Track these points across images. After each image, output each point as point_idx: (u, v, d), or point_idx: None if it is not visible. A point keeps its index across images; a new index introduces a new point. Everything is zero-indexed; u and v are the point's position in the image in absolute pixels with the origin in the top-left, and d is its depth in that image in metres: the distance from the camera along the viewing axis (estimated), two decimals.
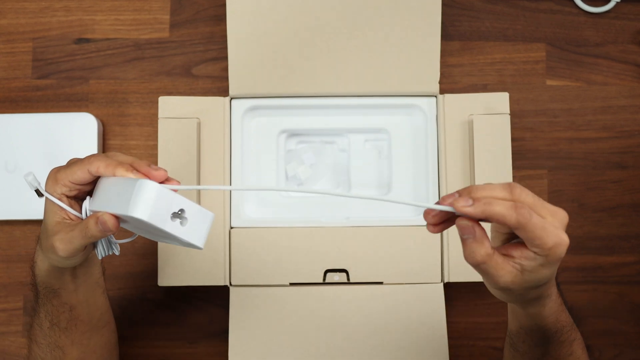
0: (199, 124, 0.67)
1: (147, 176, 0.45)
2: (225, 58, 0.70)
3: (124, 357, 0.70)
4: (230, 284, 0.66)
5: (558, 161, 0.72)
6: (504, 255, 0.44)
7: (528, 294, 0.46)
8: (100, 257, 0.51)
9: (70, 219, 0.48)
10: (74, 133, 0.69)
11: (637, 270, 0.71)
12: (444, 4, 0.69)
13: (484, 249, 0.43)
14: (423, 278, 0.65)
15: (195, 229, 0.45)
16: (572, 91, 0.73)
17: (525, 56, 0.73)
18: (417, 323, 0.64)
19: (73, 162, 0.48)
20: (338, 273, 0.66)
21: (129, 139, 0.72)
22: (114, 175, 0.45)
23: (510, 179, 0.66)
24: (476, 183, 0.65)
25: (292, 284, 0.65)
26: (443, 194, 0.67)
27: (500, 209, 0.41)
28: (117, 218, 0.45)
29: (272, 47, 0.67)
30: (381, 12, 0.67)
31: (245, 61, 0.67)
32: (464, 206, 0.42)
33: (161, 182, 0.45)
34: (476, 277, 0.61)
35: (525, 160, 0.72)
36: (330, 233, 0.66)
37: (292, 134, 0.70)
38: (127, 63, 0.73)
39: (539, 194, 0.71)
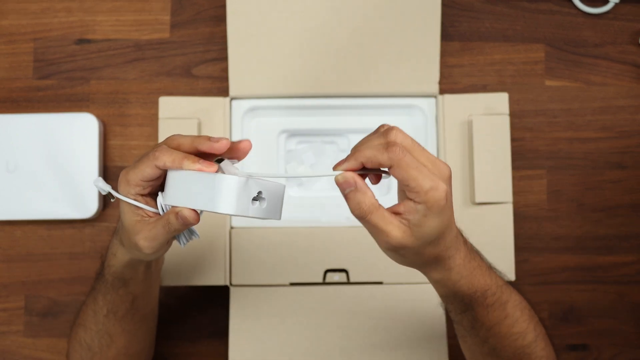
0: (199, 124, 0.67)
1: (211, 151, 0.45)
2: (226, 58, 0.70)
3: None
4: (231, 284, 0.66)
5: (557, 161, 0.72)
6: (392, 213, 0.44)
7: (424, 252, 0.45)
8: (183, 246, 0.52)
9: (149, 215, 0.49)
10: (75, 133, 0.69)
11: (637, 270, 0.72)
12: (443, 5, 0.69)
13: (367, 199, 0.43)
14: (423, 278, 0.65)
15: (272, 204, 0.47)
16: (571, 91, 0.73)
17: (524, 57, 0.73)
18: (417, 323, 0.65)
19: (139, 160, 0.48)
20: (338, 273, 0.66)
21: (129, 139, 0.72)
22: (182, 169, 0.45)
23: (509, 179, 0.66)
24: (476, 183, 0.66)
25: (292, 284, 0.66)
26: None
27: (372, 151, 0.43)
28: (197, 211, 0.46)
29: (272, 48, 0.67)
30: (381, 13, 0.67)
31: (245, 61, 0.67)
32: (343, 165, 0.44)
33: (226, 155, 0.46)
34: None
35: (525, 160, 0.72)
36: (330, 233, 0.66)
37: (292, 134, 0.70)
38: (128, 63, 0.73)
39: (538, 194, 0.72)
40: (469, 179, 0.67)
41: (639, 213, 0.72)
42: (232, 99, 0.68)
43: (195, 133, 0.66)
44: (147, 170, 0.47)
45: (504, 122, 0.67)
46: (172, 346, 0.71)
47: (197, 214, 0.46)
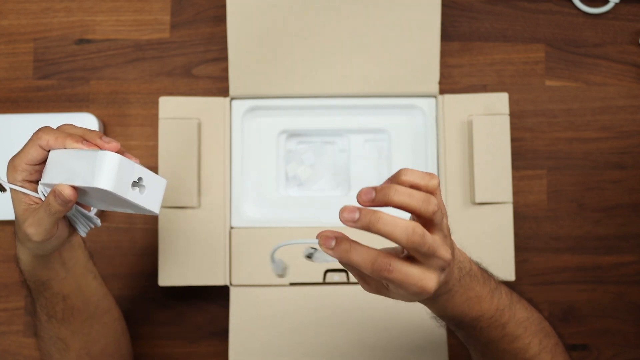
0: (199, 125, 0.67)
1: (101, 148, 0.46)
2: (226, 59, 0.70)
3: None
4: (231, 284, 0.66)
5: (557, 161, 0.72)
6: (409, 261, 0.42)
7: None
8: (83, 234, 0.51)
9: (36, 203, 0.48)
10: None
11: (636, 270, 0.72)
12: (443, 5, 0.69)
13: (366, 254, 0.41)
14: None
15: (152, 195, 0.47)
16: (571, 92, 0.73)
17: (524, 57, 0.73)
18: (417, 323, 0.64)
19: (24, 146, 0.47)
20: (338, 273, 0.66)
21: (129, 139, 0.72)
22: (65, 148, 0.46)
23: (509, 179, 0.66)
24: (476, 183, 0.66)
25: (292, 284, 0.66)
26: (443, 194, 0.67)
27: (363, 256, 0.40)
28: (75, 189, 0.45)
29: (272, 47, 0.67)
30: (381, 13, 0.67)
31: (245, 61, 0.67)
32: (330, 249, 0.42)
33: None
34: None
35: (525, 160, 0.72)
36: None
37: (292, 134, 0.70)
38: (128, 63, 0.73)
39: (538, 194, 0.72)
40: (469, 179, 0.67)
41: (638, 213, 0.72)
42: (232, 99, 0.68)
43: (195, 133, 0.66)
44: (30, 152, 0.46)
45: (504, 122, 0.67)
46: (172, 346, 0.71)
47: (74, 190, 0.45)
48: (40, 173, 0.48)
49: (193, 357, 0.71)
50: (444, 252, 0.41)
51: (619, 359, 0.71)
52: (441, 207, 0.42)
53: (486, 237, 0.66)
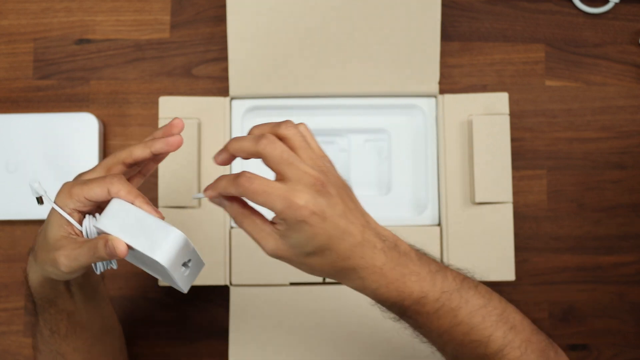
0: (199, 124, 0.67)
1: (169, 149, 0.48)
2: (226, 58, 0.70)
3: None
4: (231, 284, 0.66)
5: (557, 161, 0.72)
6: (270, 222, 0.46)
7: (312, 263, 0.46)
8: (98, 272, 0.50)
9: (76, 234, 0.47)
10: (75, 133, 0.69)
11: (636, 270, 0.72)
12: (443, 5, 0.69)
13: (234, 208, 0.46)
14: None
15: (191, 275, 0.49)
16: (571, 92, 0.73)
17: (524, 57, 0.73)
18: None
19: (91, 180, 0.47)
20: None
21: (129, 139, 0.72)
22: (133, 204, 0.46)
23: (509, 179, 0.66)
24: (475, 183, 0.66)
25: (292, 284, 0.66)
26: (443, 194, 0.67)
27: (224, 183, 0.45)
28: (129, 247, 0.45)
29: (272, 47, 0.67)
30: (381, 13, 0.67)
31: (245, 61, 0.67)
32: (206, 193, 0.46)
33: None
34: (476, 277, 0.61)
35: (525, 160, 0.72)
36: None
37: None
38: (128, 63, 0.73)
39: (538, 194, 0.72)
40: (469, 179, 0.67)
41: (639, 213, 0.72)
42: (232, 98, 0.68)
43: (195, 133, 0.66)
44: (96, 190, 0.46)
45: (504, 122, 0.67)
46: (172, 346, 0.71)
47: (127, 248, 0.45)
48: (91, 208, 0.48)
49: (193, 357, 0.71)
50: (301, 165, 0.44)
51: (619, 359, 0.71)
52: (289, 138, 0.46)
53: (486, 237, 0.66)
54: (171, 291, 0.71)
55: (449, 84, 0.73)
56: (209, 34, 0.73)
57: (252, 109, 0.69)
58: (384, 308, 0.49)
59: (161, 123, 0.67)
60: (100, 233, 0.47)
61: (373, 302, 0.49)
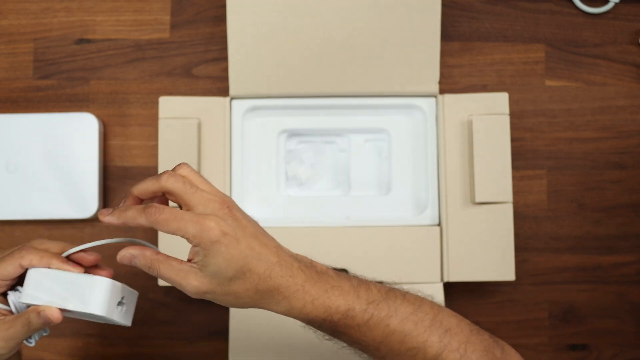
0: (199, 124, 0.67)
1: (81, 262, 0.48)
2: (226, 58, 0.70)
3: (124, 357, 0.71)
4: None
5: (557, 161, 0.72)
6: (186, 261, 0.45)
7: (237, 291, 0.46)
8: (33, 344, 0.50)
9: (2, 314, 0.48)
10: (75, 133, 0.70)
11: (636, 270, 0.72)
12: (443, 5, 0.69)
13: (146, 258, 0.46)
14: (423, 278, 0.66)
15: (129, 310, 0.51)
16: (571, 91, 0.73)
17: (524, 57, 0.73)
18: None
19: (2, 259, 0.47)
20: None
21: (129, 139, 0.72)
22: (49, 267, 0.47)
23: (509, 179, 0.66)
24: (475, 183, 0.66)
25: None
26: (443, 194, 0.67)
27: (132, 213, 0.45)
28: (61, 311, 0.47)
29: (272, 47, 0.67)
30: (381, 12, 0.67)
31: (245, 61, 0.67)
32: (107, 218, 0.47)
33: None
34: (476, 277, 0.61)
35: (525, 160, 0.72)
36: (330, 233, 0.66)
37: (292, 134, 0.70)
38: (128, 63, 0.73)
39: (538, 194, 0.72)
40: (469, 179, 0.67)
41: (639, 213, 0.72)
42: (232, 98, 0.68)
43: (195, 133, 0.66)
44: (8, 269, 0.47)
45: (504, 122, 0.67)
46: (172, 346, 0.71)
47: (60, 312, 0.46)
48: (8, 287, 0.48)
49: (193, 357, 0.71)
50: (204, 192, 0.46)
51: (619, 359, 0.71)
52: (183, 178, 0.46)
53: (486, 237, 0.66)
54: (171, 291, 0.71)
55: (449, 84, 0.73)
56: (209, 34, 0.73)
57: (252, 109, 0.68)
58: (317, 330, 0.49)
59: (161, 123, 0.67)
60: (29, 305, 0.47)
61: (304, 325, 0.49)
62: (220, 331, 0.70)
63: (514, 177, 0.71)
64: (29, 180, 0.69)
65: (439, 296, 0.65)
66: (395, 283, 0.65)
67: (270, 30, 0.67)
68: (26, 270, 0.47)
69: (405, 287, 0.65)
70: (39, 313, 0.46)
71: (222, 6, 0.69)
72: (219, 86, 0.72)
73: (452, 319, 0.49)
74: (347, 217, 0.68)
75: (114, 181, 0.72)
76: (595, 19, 0.73)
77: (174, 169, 0.47)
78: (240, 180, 0.68)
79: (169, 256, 0.46)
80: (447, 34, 0.73)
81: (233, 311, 0.65)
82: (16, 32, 0.73)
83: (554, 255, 0.71)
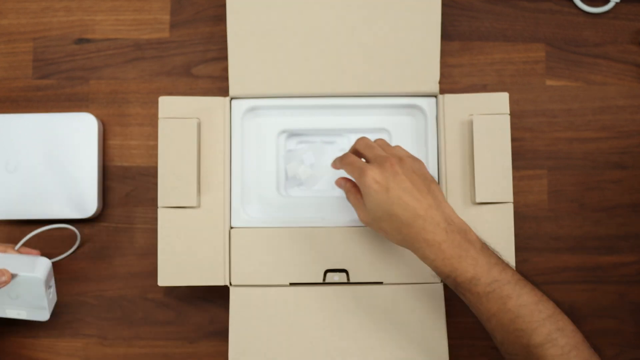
0: (199, 124, 0.67)
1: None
2: (225, 58, 0.70)
3: (123, 357, 0.71)
4: (230, 284, 0.66)
5: (557, 161, 0.72)
6: None
7: (385, 228, 0.57)
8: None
9: None
10: (75, 133, 0.69)
11: (637, 270, 0.72)
12: (443, 4, 0.69)
13: (347, 184, 0.62)
14: (423, 278, 0.65)
15: (52, 299, 0.66)
16: (571, 91, 0.73)
17: (524, 56, 0.73)
18: (417, 323, 0.64)
19: None
20: (338, 273, 0.66)
21: (129, 139, 0.72)
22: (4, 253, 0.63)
23: (510, 179, 0.66)
24: (476, 183, 0.66)
25: (292, 284, 0.65)
26: (444, 193, 0.67)
27: (336, 159, 0.63)
28: (11, 276, 0.61)
29: (272, 47, 0.67)
30: (381, 12, 0.67)
31: (245, 61, 0.67)
32: (332, 164, 0.64)
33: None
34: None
35: (525, 160, 0.72)
36: (330, 233, 0.66)
37: (292, 134, 0.70)
38: (128, 63, 0.73)
39: (538, 194, 0.72)
40: (469, 179, 0.67)
41: (639, 213, 0.72)
42: (232, 98, 0.68)
43: (195, 133, 0.66)
44: None
45: (504, 122, 0.67)
46: (172, 346, 0.71)
47: (10, 275, 0.61)
48: None
49: (193, 357, 0.71)
50: (378, 150, 0.60)
51: (619, 359, 0.71)
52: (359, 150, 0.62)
53: (486, 237, 0.65)
54: (171, 291, 0.71)
55: (449, 83, 0.72)
56: (208, 33, 0.73)
57: (252, 108, 0.68)
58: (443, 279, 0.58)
59: (161, 123, 0.66)
60: None
61: (433, 272, 0.59)
62: (220, 331, 0.70)
63: (514, 177, 0.71)
64: (28, 180, 0.69)
65: (439, 296, 0.65)
66: (396, 283, 0.65)
67: (270, 30, 0.67)
68: None
69: (406, 287, 0.65)
70: None
71: (222, 5, 0.69)
72: (219, 86, 0.72)
73: (570, 326, 0.55)
74: (346, 218, 0.68)
75: (113, 181, 0.72)
76: (596, 18, 0.73)
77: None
78: (240, 180, 0.67)
79: (358, 189, 0.60)
80: (448, 34, 0.73)
81: (233, 311, 0.65)
82: (16, 32, 0.73)
83: (554, 255, 0.71)
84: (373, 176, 0.57)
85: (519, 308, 0.54)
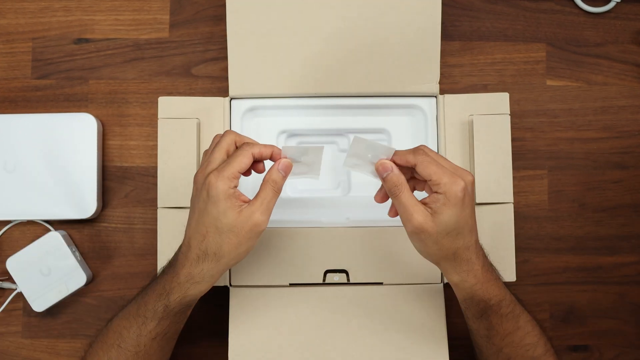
0: (198, 124, 0.67)
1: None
2: (225, 58, 0.70)
3: None
4: (230, 284, 0.65)
5: (558, 161, 0.72)
6: (420, 202, 0.53)
7: (442, 243, 0.52)
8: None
9: (244, 202, 0.53)
10: (74, 133, 0.69)
11: (638, 270, 0.71)
12: (444, 4, 0.69)
13: (401, 178, 0.53)
14: (423, 278, 0.65)
15: (81, 262, 0.69)
16: (572, 91, 0.73)
17: (525, 56, 0.73)
18: (417, 323, 0.64)
19: (230, 158, 0.54)
20: (338, 273, 0.65)
21: (128, 139, 0.72)
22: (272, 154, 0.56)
23: (510, 179, 0.66)
24: (476, 183, 0.65)
25: (292, 285, 0.65)
26: None
27: (403, 152, 0.54)
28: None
29: (272, 47, 0.67)
30: (381, 12, 0.67)
31: (245, 61, 0.67)
32: (391, 158, 0.55)
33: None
34: None
35: (526, 160, 0.72)
36: (330, 233, 0.66)
37: (292, 134, 0.70)
38: (127, 63, 0.72)
39: (539, 194, 0.72)
40: None
41: (639, 213, 0.72)
42: (231, 98, 0.68)
43: (194, 133, 0.66)
44: (245, 161, 0.53)
45: (505, 122, 0.66)
46: None
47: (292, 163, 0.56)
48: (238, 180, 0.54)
49: (193, 357, 0.71)
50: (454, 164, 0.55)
51: (620, 359, 0.71)
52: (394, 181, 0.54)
53: (487, 237, 0.66)
54: None
55: (449, 83, 0.72)
56: (208, 33, 0.73)
57: (251, 109, 0.68)
58: (467, 312, 0.58)
59: (160, 123, 0.66)
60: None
61: (461, 301, 0.58)
62: (220, 331, 0.70)
63: (514, 177, 0.71)
64: (27, 180, 0.69)
65: (439, 296, 0.65)
66: (396, 283, 0.65)
67: (270, 30, 0.67)
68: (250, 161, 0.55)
69: (406, 287, 0.65)
70: (277, 168, 0.54)
71: (222, 5, 0.69)
72: (219, 86, 0.72)
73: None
74: (347, 218, 0.68)
75: (112, 181, 0.72)
76: (597, 18, 0.73)
77: (415, 148, 0.55)
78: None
79: (407, 186, 0.53)
80: (448, 34, 0.73)
81: (233, 312, 0.65)
82: (14, 32, 0.73)
83: (555, 255, 0.71)
84: (466, 188, 0.52)
85: (527, 324, 0.58)
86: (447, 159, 0.54)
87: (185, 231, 0.56)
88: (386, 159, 0.54)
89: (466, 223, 0.53)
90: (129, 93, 0.72)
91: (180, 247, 0.56)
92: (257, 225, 0.53)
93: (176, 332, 0.60)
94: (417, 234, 0.53)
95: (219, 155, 0.55)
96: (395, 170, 0.54)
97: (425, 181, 0.54)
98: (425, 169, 0.52)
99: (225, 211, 0.52)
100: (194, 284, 0.55)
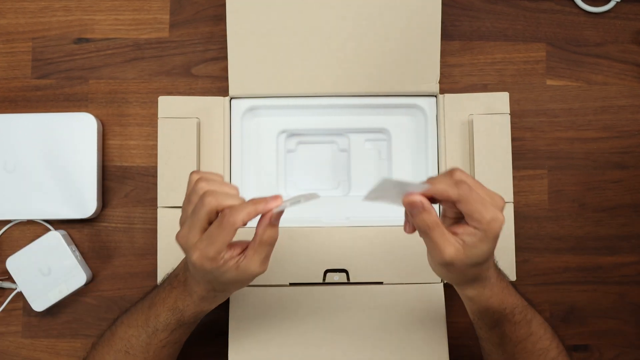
0: (198, 124, 0.67)
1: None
2: (225, 58, 0.70)
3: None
4: None
5: (558, 161, 0.72)
6: (451, 232, 0.49)
7: (468, 272, 0.51)
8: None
9: (239, 254, 0.51)
10: (74, 133, 0.69)
11: (638, 270, 0.71)
12: (444, 4, 0.69)
13: (432, 217, 0.48)
14: (423, 278, 0.65)
15: (81, 261, 0.69)
16: (572, 91, 0.73)
17: (525, 56, 0.73)
18: (417, 323, 0.64)
19: (213, 233, 0.49)
20: (338, 273, 0.65)
21: (128, 139, 0.72)
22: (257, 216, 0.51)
23: (510, 179, 0.66)
24: None
25: (292, 284, 0.65)
26: None
27: (443, 186, 0.48)
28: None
29: (272, 47, 0.67)
30: (381, 12, 0.66)
31: (245, 61, 0.67)
32: (423, 186, 0.49)
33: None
34: None
35: (526, 160, 0.72)
36: (330, 233, 0.66)
37: (292, 134, 0.70)
38: (127, 63, 0.72)
39: (539, 194, 0.72)
40: None
41: (639, 213, 0.72)
42: (231, 98, 0.68)
43: (194, 133, 0.66)
44: (227, 238, 0.49)
45: (505, 122, 0.66)
46: None
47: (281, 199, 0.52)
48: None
49: (193, 357, 0.71)
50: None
51: (620, 359, 0.71)
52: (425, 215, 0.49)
53: None
54: None
55: (449, 83, 0.72)
56: (208, 33, 0.73)
57: (251, 108, 0.68)
58: (479, 322, 0.57)
59: (160, 123, 0.66)
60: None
61: (474, 312, 0.56)
62: (220, 331, 0.70)
63: (514, 177, 0.71)
64: (27, 180, 0.69)
65: (439, 296, 0.65)
66: (396, 283, 0.65)
67: (270, 29, 0.67)
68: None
69: (406, 287, 0.65)
70: (270, 215, 0.50)
71: (222, 5, 0.69)
72: (219, 86, 0.72)
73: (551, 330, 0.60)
74: (347, 217, 0.68)
75: (112, 181, 0.72)
76: (597, 18, 0.73)
77: (451, 173, 0.50)
78: (240, 180, 0.67)
79: (441, 224, 0.49)
80: (448, 33, 0.73)
81: (233, 311, 0.65)
82: (14, 31, 0.73)
83: (555, 255, 0.71)
84: (502, 222, 0.48)
85: (539, 328, 0.57)
86: (480, 183, 0.50)
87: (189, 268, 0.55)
88: (415, 194, 0.48)
89: (492, 254, 0.51)
90: (129, 93, 0.72)
91: (187, 265, 0.55)
92: (258, 274, 0.52)
93: (186, 337, 0.60)
94: (445, 266, 0.50)
95: (199, 225, 0.50)
96: (427, 205, 0.48)
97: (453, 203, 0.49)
98: (468, 206, 0.48)
99: (222, 274, 0.51)
100: (208, 302, 0.56)
